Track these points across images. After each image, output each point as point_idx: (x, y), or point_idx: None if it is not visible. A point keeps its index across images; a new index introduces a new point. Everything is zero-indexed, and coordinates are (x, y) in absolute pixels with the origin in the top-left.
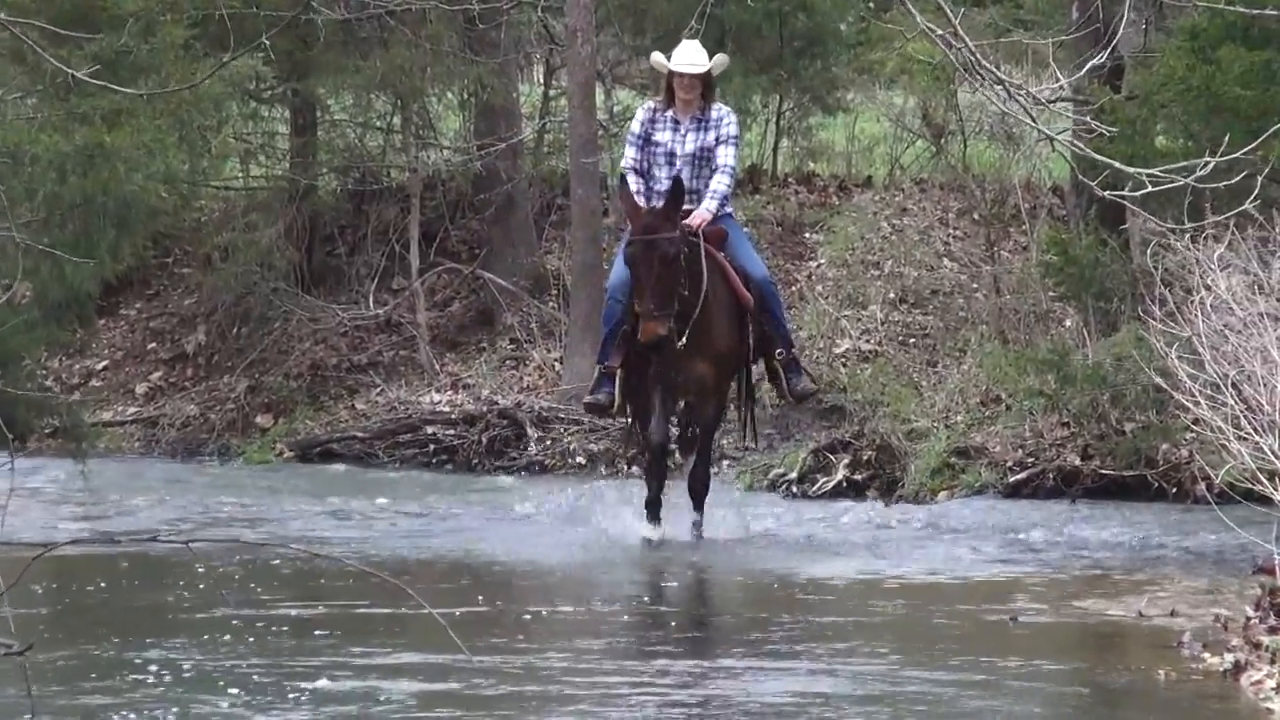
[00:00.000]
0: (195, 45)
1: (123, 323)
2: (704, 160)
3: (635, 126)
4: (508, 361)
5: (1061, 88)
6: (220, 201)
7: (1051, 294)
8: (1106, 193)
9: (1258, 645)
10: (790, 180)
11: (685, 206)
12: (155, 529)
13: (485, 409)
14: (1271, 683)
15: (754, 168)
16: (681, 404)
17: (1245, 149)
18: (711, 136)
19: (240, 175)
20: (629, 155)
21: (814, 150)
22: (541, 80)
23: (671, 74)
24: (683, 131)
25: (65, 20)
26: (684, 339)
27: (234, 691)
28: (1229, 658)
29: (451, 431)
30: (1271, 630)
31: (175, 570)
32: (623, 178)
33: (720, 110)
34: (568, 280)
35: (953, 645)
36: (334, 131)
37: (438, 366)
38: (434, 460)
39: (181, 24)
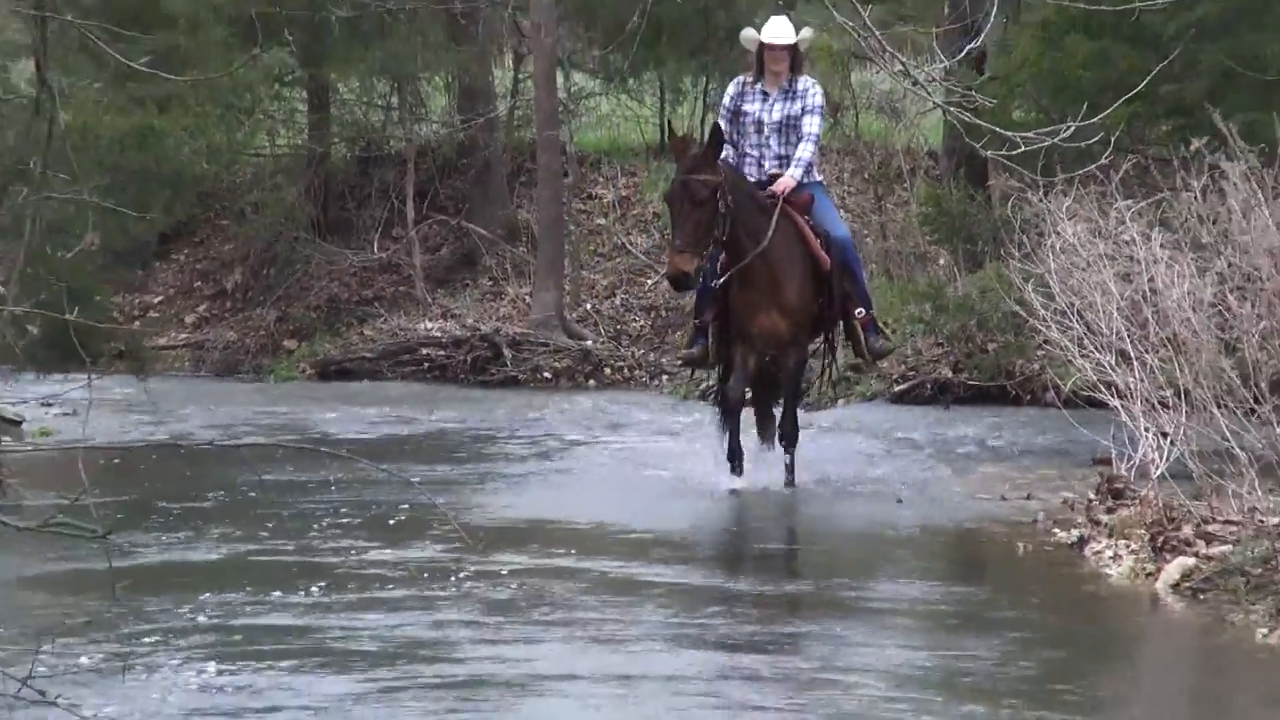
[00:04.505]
0: (231, 41)
1: (174, 265)
2: (790, 128)
3: (725, 100)
4: (487, 295)
5: (945, 68)
6: (252, 167)
7: (928, 239)
8: (989, 151)
9: (1098, 523)
10: None
11: (774, 171)
12: (211, 436)
13: (469, 334)
14: (1109, 553)
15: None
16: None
17: (1096, 118)
18: (798, 106)
19: (268, 145)
20: (720, 127)
21: None
22: (511, 66)
23: (762, 47)
24: (770, 101)
25: (124, 19)
26: (749, 290)
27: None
28: (1075, 533)
29: (442, 352)
30: (1109, 510)
31: (230, 468)
32: (716, 127)
33: (806, 82)
34: (535, 229)
35: (842, 521)
36: (344, 109)
37: (430, 300)
38: (428, 376)
39: (221, 23)
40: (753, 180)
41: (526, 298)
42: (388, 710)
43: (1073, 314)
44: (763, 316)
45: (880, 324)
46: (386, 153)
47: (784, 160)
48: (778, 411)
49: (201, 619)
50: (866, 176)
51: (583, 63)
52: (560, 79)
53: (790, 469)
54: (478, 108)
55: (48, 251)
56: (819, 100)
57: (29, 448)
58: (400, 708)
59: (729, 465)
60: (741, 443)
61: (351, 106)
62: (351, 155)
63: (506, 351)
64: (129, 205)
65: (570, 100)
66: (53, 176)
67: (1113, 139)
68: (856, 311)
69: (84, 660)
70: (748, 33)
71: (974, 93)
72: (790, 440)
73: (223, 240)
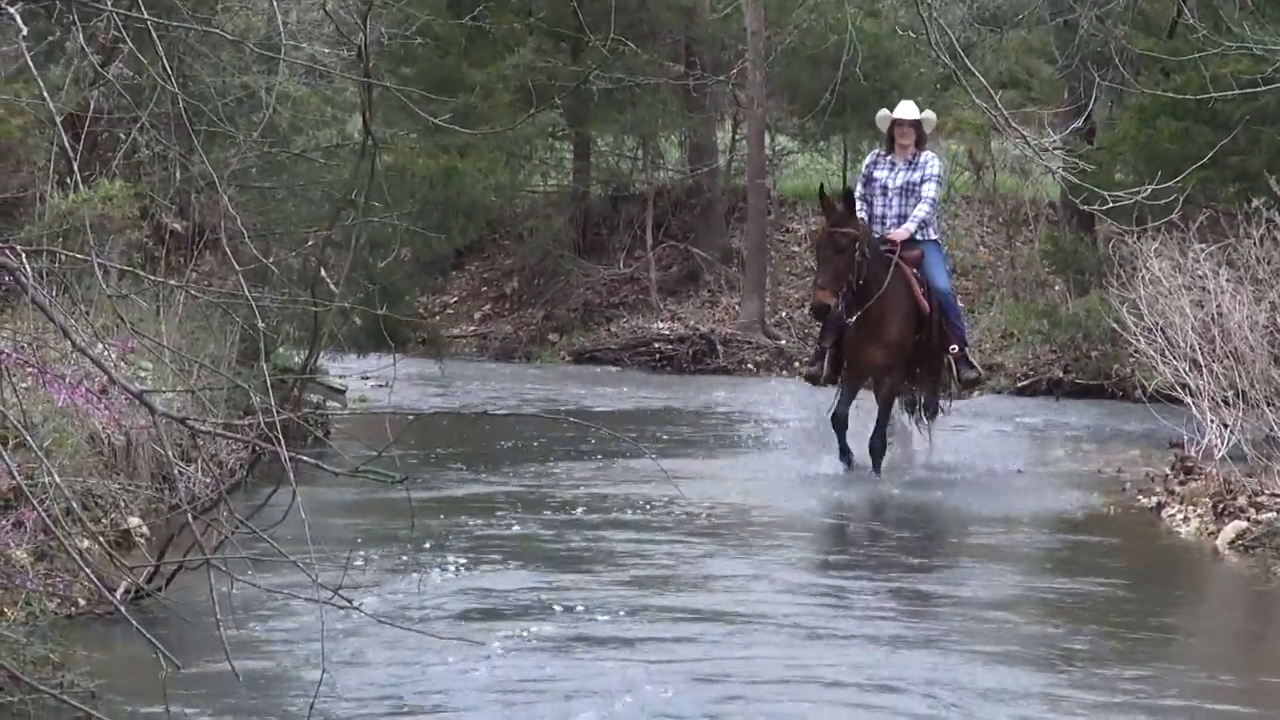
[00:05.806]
0: (515, 103)
1: (466, 274)
2: (910, 192)
3: (863, 168)
4: (706, 304)
5: (1057, 142)
6: (528, 200)
7: (1047, 270)
8: (1087, 207)
9: (1172, 492)
10: None
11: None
12: (488, 406)
13: (691, 333)
14: (1180, 516)
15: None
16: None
17: (1171, 181)
18: (918, 175)
19: (541, 184)
20: (856, 190)
21: None
22: (730, 129)
23: (893, 124)
24: (896, 170)
25: (433, 86)
26: (861, 327)
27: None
28: (1154, 499)
29: (669, 346)
30: (1181, 483)
31: (501, 429)
32: (849, 194)
33: (927, 155)
34: (744, 254)
35: (974, 486)
36: (600, 158)
37: (662, 306)
38: (658, 364)
39: (507, 90)
40: (876, 235)
41: (736, 306)
42: (590, 594)
43: (1157, 331)
44: (868, 350)
45: (971, 359)
46: (632, 193)
47: (902, 219)
48: (914, 420)
49: (475, 532)
50: (1001, 221)
51: (785, 127)
52: (767, 140)
53: (876, 465)
54: (703, 160)
55: (368, 261)
56: (936, 170)
57: (349, 411)
58: (604, 591)
59: (841, 465)
60: (848, 444)
61: (606, 156)
62: (605, 194)
63: (719, 347)
64: (433, 228)
65: (774, 156)
66: (374, 205)
67: (1182, 198)
68: (951, 347)
69: (359, 561)
70: (881, 112)
71: (1083, 159)
72: (877, 456)
73: (504, 256)
